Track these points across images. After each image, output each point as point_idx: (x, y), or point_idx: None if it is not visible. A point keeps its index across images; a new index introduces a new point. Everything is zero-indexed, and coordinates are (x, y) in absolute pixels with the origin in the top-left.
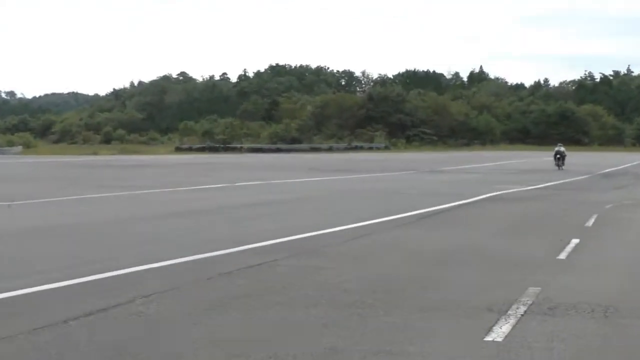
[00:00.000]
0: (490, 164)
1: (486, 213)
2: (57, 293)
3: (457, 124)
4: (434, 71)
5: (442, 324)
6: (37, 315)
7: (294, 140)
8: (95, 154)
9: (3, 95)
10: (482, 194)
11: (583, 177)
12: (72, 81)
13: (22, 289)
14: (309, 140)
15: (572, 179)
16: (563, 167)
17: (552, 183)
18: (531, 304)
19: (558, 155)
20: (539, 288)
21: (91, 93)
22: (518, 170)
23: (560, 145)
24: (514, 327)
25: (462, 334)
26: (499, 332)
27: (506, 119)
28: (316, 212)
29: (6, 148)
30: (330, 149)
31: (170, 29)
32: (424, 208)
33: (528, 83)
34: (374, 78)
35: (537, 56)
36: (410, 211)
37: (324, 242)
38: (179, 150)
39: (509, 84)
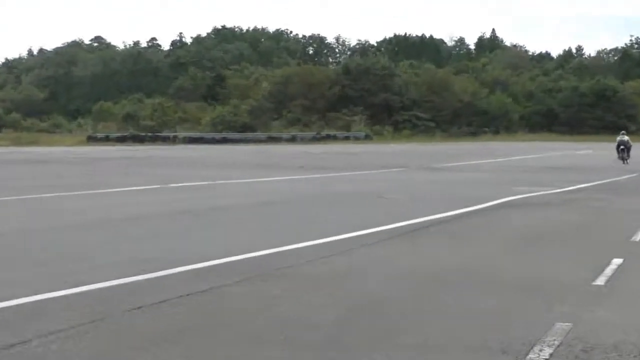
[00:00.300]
0: (506, 158)
1: (500, 224)
2: None
3: (461, 106)
4: (430, 36)
5: None
6: None
7: (246, 128)
8: None
9: None
10: (494, 199)
11: (629, 175)
12: None
13: None
14: (266, 128)
15: (615, 179)
16: (628, 160)
17: (587, 184)
18: (559, 345)
19: (622, 147)
20: (570, 324)
21: None
22: (542, 167)
23: (624, 134)
24: None
25: None
26: None
27: (526, 99)
28: (275, 223)
29: None
30: (293, 139)
31: None
32: (417, 217)
33: (555, 52)
34: (351, 45)
35: (567, 17)
36: (399, 221)
37: (285, 261)
38: (92, 140)
39: (531, 53)
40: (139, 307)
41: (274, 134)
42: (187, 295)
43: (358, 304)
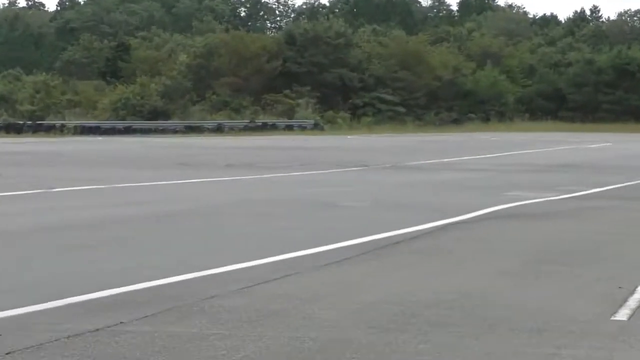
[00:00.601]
0: (498, 154)
1: (489, 241)
2: None
3: (440, 86)
4: None
5: None
6: None
7: (157, 114)
8: None
9: None
10: (481, 208)
11: None
12: None
13: None
14: (183, 114)
15: (638, 181)
16: None
17: (604, 188)
18: None
19: None
20: None
21: None
22: (545, 165)
23: None
24: None
25: None
26: None
27: (525, 76)
28: (193, 240)
29: None
30: (219, 129)
31: None
32: (381, 232)
33: (563, 14)
34: (296, 6)
35: None
36: (357, 237)
37: (204, 291)
38: None
39: (531, 16)
40: (9, 353)
41: (193, 122)
42: (71, 336)
43: (301, 352)
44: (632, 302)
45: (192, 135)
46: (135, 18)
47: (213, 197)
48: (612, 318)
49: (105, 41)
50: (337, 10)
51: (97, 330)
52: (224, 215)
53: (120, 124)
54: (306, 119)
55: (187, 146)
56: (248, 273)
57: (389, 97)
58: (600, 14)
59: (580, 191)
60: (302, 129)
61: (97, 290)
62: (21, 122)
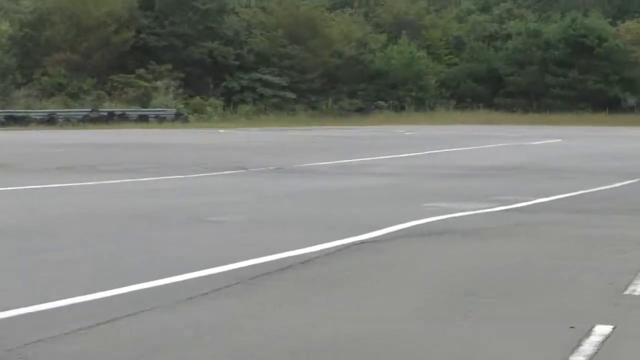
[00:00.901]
0: (415, 154)
1: (404, 267)
2: None
3: (341, 65)
4: None
5: None
6: None
7: None
8: None
9: None
10: (393, 224)
11: (620, 184)
12: None
13: None
14: (4, 100)
15: (603, 187)
16: None
17: (551, 198)
18: None
19: None
20: None
21: None
22: (476, 167)
23: None
24: None
25: None
26: None
27: (451, 52)
28: (8, 266)
29: None
30: (51, 120)
31: None
32: (261, 255)
33: None
34: None
35: None
36: (229, 262)
37: (30, 333)
38: None
39: None
40: None
41: (17, 111)
42: None
43: None
44: (587, 347)
45: (15, 128)
46: None
47: (37, 210)
48: None
49: None
50: None
51: None
52: (50, 235)
53: None
54: (166, 107)
55: (8, 143)
56: (83, 310)
57: (274, 79)
58: None
59: (522, 202)
60: (161, 120)
61: None
62: None
